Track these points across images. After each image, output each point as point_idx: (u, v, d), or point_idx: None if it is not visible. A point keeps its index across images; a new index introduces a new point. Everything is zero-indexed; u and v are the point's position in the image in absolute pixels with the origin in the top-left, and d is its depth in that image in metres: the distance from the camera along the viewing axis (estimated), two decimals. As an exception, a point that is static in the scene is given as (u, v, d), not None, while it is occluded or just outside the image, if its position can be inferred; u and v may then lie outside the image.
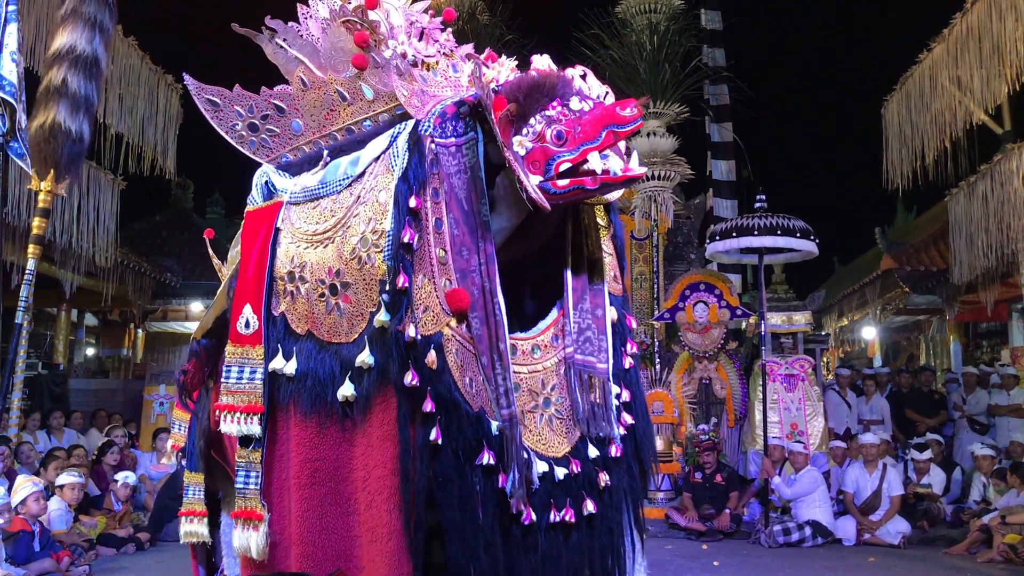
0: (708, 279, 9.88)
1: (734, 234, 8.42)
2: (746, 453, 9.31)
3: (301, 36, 2.54)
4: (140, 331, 15.79)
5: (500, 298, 2.17)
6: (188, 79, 2.67)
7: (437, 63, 2.45)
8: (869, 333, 17.08)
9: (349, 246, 2.20)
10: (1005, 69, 8.09)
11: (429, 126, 2.21)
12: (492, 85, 2.25)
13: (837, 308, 15.96)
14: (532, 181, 2.14)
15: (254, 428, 2.28)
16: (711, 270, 10.47)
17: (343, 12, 2.47)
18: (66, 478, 6.69)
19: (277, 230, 2.39)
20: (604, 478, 2.29)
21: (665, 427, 8.95)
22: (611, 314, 2.44)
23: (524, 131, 2.17)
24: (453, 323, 2.13)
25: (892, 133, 10.55)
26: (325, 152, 2.45)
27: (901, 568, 6.67)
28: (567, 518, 2.19)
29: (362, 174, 2.27)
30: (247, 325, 2.35)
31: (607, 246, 2.50)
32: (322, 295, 2.24)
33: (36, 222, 4.44)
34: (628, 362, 2.47)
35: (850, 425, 9.62)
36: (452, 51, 2.49)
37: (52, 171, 4.35)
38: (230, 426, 2.32)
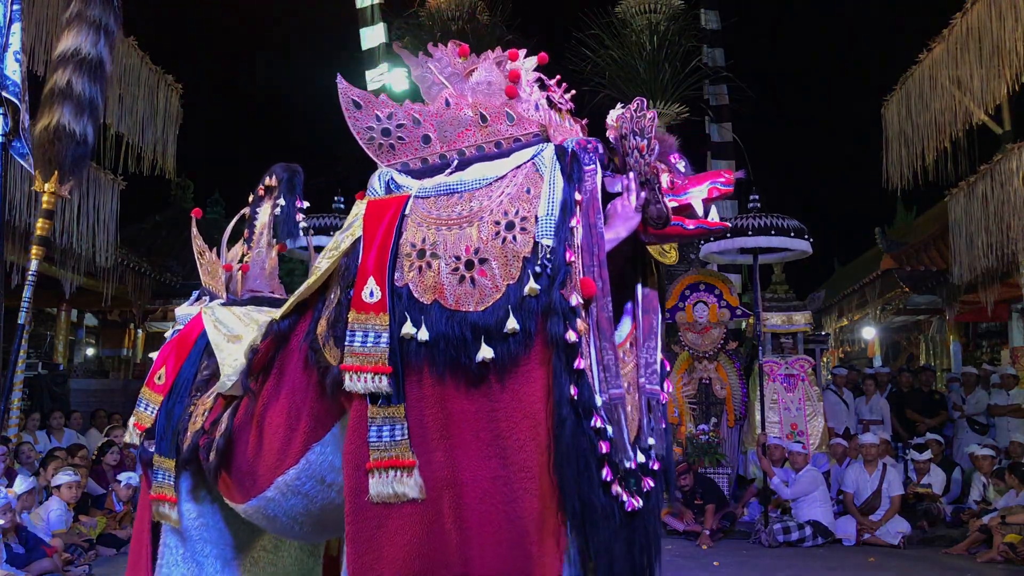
0: (708, 279, 9.88)
1: (729, 235, 8.43)
2: (746, 453, 9.31)
3: (451, 64, 2.91)
4: (140, 331, 15.81)
5: (609, 298, 2.59)
6: (340, 80, 2.91)
7: (564, 115, 2.96)
8: (869, 333, 17.09)
9: (490, 229, 2.56)
10: (1005, 69, 8.09)
11: (575, 145, 2.66)
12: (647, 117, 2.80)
13: (837, 308, 15.97)
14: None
15: (382, 385, 2.53)
16: (711, 270, 10.47)
17: (485, 56, 2.93)
18: (63, 477, 6.70)
19: (404, 216, 2.69)
20: (648, 483, 2.63)
21: (665, 427, 8.95)
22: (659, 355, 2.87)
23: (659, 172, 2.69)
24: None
25: (892, 133, 10.56)
26: (455, 161, 2.79)
27: (901, 568, 6.68)
28: (631, 506, 2.51)
29: (503, 176, 2.65)
30: (371, 295, 2.60)
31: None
32: (455, 269, 2.54)
33: (40, 223, 4.45)
34: (664, 396, 2.86)
35: (848, 425, 9.62)
36: (570, 110, 3.00)
37: (56, 173, 4.35)
38: (357, 384, 2.55)
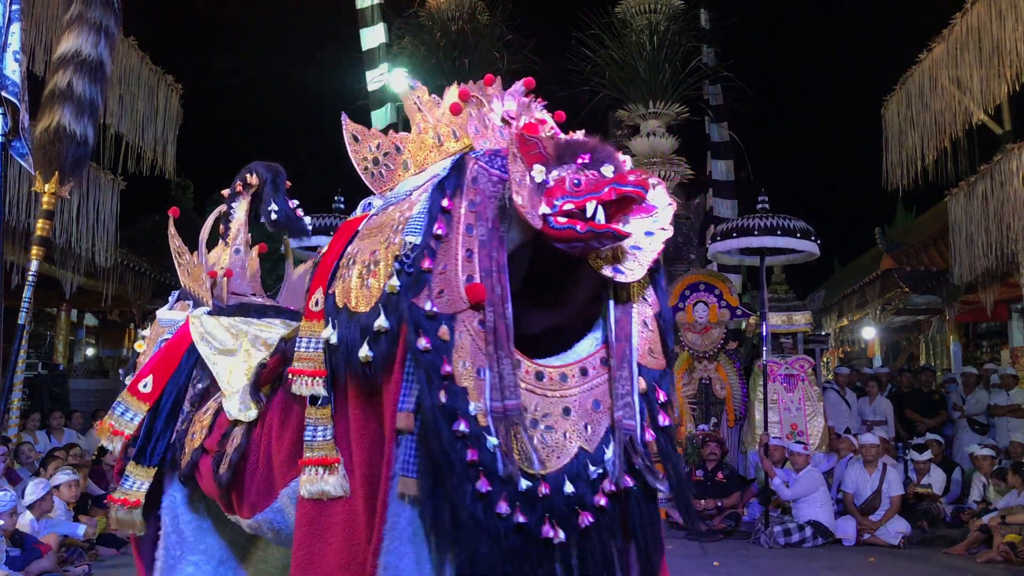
0: (708, 279, 9.88)
1: (735, 234, 8.43)
2: (746, 453, 9.31)
3: (428, 95, 2.94)
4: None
5: (509, 301, 2.49)
6: (344, 118, 3.03)
7: (527, 126, 2.80)
8: (869, 333, 17.08)
9: (388, 234, 2.58)
10: (1005, 69, 8.09)
11: (479, 153, 2.62)
12: (540, 120, 2.65)
13: (837, 308, 15.96)
14: (541, 210, 2.47)
15: (319, 389, 2.64)
16: (711, 270, 10.47)
17: (473, 88, 2.87)
18: (62, 476, 6.69)
19: (356, 232, 2.79)
20: (587, 518, 2.48)
21: (665, 427, 8.96)
22: (640, 385, 2.68)
23: (551, 170, 2.51)
24: (467, 311, 2.45)
25: (892, 133, 10.55)
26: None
27: (901, 568, 6.68)
28: (540, 532, 2.39)
29: (421, 186, 2.66)
30: (316, 304, 2.73)
31: (650, 323, 2.76)
32: (360, 273, 2.61)
33: (40, 224, 4.45)
34: (650, 435, 2.68)
35: (850, 425, 9.62)
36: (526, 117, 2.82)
37: (56, 174, 4.36)
38: (302, 388, 2.68)
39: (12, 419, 7.18)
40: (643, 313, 2.75)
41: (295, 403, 2.87)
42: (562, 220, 2.44)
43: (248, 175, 3.67)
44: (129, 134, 9.70)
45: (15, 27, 3.99)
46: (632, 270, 2.62)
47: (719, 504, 8.03)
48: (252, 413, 3.04)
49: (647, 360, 2.72)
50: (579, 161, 2.52)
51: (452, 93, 2.86)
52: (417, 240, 2.45)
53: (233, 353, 3.26)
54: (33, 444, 8.05)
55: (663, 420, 2.71)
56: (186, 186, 15.41)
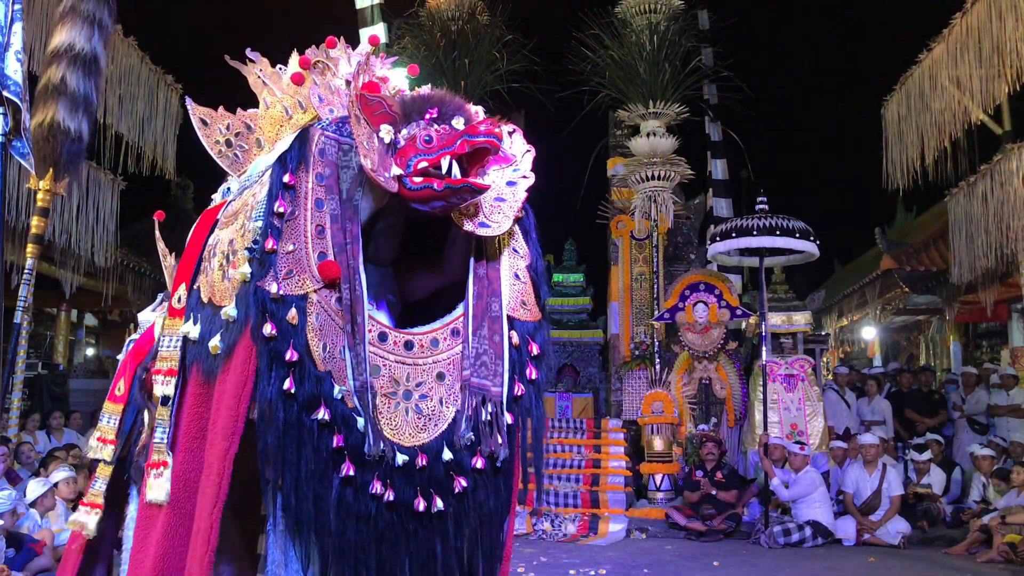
0: (708, 279, 9.88)
1: (734, 235, 8.43)
2: (746, 453, 9.31)
3: (272, 67, 2.84)
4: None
5: (362, 275, 2.39)
6: (189, 101, 2.94)
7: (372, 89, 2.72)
8: (869, 333, 17.07)
9: (240, 222, 2.47)
10: (1005, 69, 8.08)
11: (326, 123, 2.50)
12: (381, 82, 2.53)
13: (837, 308, 15.95)
14: (394, 172, 2.39)
15: (168, 390, 2.57)
16: (711, 270, 10.47)
17: (311, 52, 2.77)
18: (60, 474, 6.69)
19: (216, 221, 2.71)
20: (461, 482, 2.43)
21: (665, 427, 8.96)
22: (512, 339, 2.61)
23: (400, 129, 2.44)
24: (321, 290, 2.35)
25: (892, 133, 10.55)
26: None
27: (901, 568, 6.67)
28: (414, 505, 2.35)
29: (269, 168, 2.53)
30: (179, 300, 2.64)
31: (522, 275, 2.69)
32: (221, 264, 2.51)
33: (35, 221, 4.44)
34: (520, 389, 2.61)
35: (850, 425, 9.61)
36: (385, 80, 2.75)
37: (51, 170, 4.34)
38: (157, 388, 2.62)
39: (12, 419, 7.17)
40: (514, 265, 2.69)
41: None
42: (418, 180, 2.37)
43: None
44: (129, 134, 9.70)
45: (17, 27, 3.98)
46: (498, 223, 2.56)
47: (714, 493, 8.02)
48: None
49: (519, 312, 2.66)
50: (428, 116, 2.43)
51: (293, 62, 2.75)
52: (260, 224, 2.35)
53: None
54: (33, 444, 8.04)
55: (531, 374, 2.64)
56: (186, 186, 15.39)
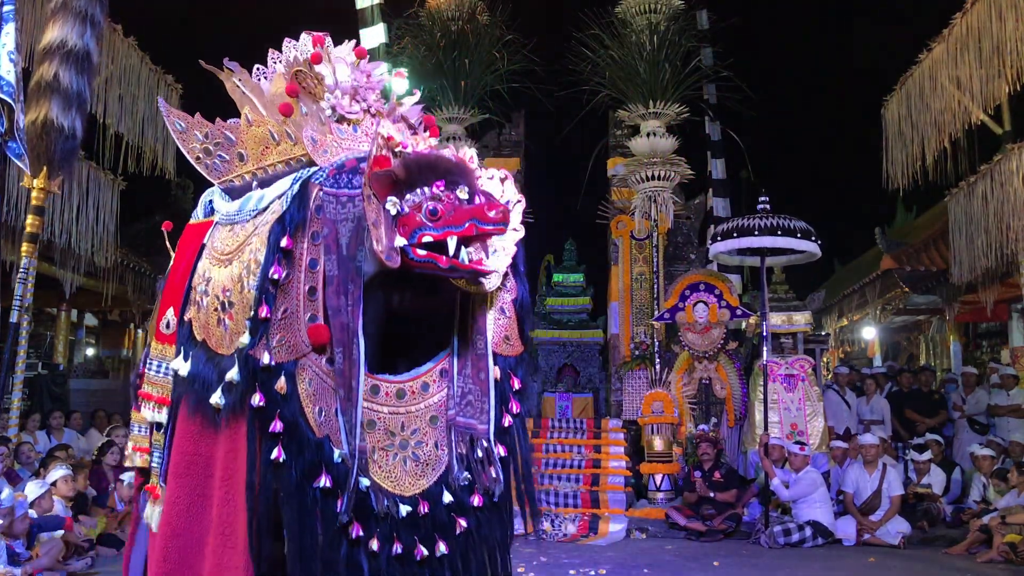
0: (708, 279, 9.88)
1: (735, 235, 8.43)
2: (746, 453, 9.31)
3: (250, 79, 2.83)
4: (140, 331, 15.78)
5: (360, 339, 2.37)
6: (161, 102, 2.97)
7: (360, 120, 2.70)
8: (869, 333, 17.07)
9: (237, 271, 2.46)
10: (1005, 69, 8.08)
11: (323, 175, 2.45)
12: (391, 145, 2.48)
13: (837, 308, 15.95)
14: (397, 242, 2.38)
15: (162, 416, 2.60)
16: (711, 270, 10.46)
17: (296, 62, 2.73)
18: (57, 472, 6.69)
19: (203, 246, 2.69)
20: (462, 523, 2.47)
21: (665, 427, 8.96)
22: (494, 374, 2.64)
23: (406, 196, 2.40)
24: (312, 355, 2.34)
25: (892, 133, 10.55)
26: (255, 183, 2.72)
27: (901, 568, 6.67)
28: (415, 555, 2.38)
29: (264, 209, 2.53)
30: (168, 326, 2.64)
31: (507, 309, 2.70)
32: (216, 309, 2.51)
33: (30, 220, 4.43)
34: (508, 421, 2.65)
35: (850, 425, 9.61)
36: (380, 111, 2.73)
37: (45, 168, 4.32)
38: (147, 412, 2.66)
39: (12, 419, 7.16)
40: (501, 300, 2.69)
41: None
42: (422, 252, 2.37)
43: None
44: (129, 134, 9.70)
45: (9, 27, 3.97)
46: (491, 280, 2.56)
47: (712, 495, 8.02)
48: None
49: (502, 347, 2.67)
50: (436, 187, 2.40)
51: (279, 82, 2.70)
52: (255, 295, 2.34)
53: None
54: (33, 444, 8.04)
55: (514, 408, 2.67)
56: (186, 186, 15.39)
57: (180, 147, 2.90)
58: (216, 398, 2.39)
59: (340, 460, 2.30)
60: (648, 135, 10.16)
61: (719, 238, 8.71)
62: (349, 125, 2.68)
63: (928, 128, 9.65)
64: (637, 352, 10.68)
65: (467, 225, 2.35)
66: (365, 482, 2.33)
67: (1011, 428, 9.14)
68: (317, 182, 2.44)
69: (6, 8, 4.00)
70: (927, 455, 8.36)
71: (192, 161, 2.88)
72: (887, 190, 10.74)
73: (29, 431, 8.41)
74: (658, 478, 8.88)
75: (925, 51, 9.75)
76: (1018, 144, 8.44)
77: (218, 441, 2.43)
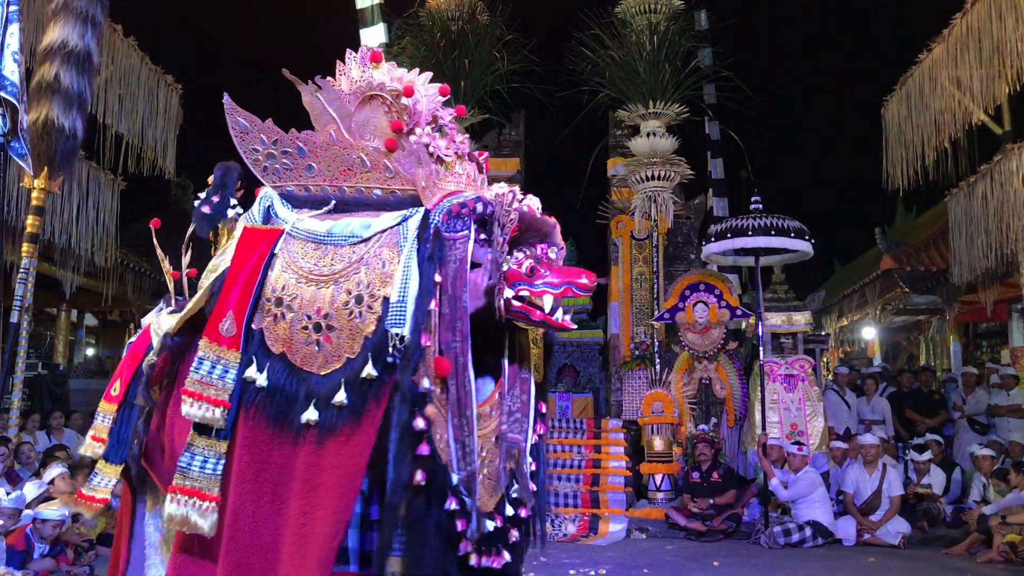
0: (708, 279, 9.88)
1: (729, 235, 8.43)
2: (746, 453, 9.31)
3: (339, 98, 2.88)
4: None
5: (471, 372, 2.56)
6: (227, 99, 2.95)
7: (452, 163, 2.84)
8: (869, 333, 17.07)
9: (343, 298, 2.58)
10: (1005, 69, 8.08)
11: (439, 220, 2.63)
12: (515, 206, 2.74)
13: (837, 308, 15.95)
14: (506, 293, 2.65)
15: (215, 417, 2.59)
16: (711, 270, 10.47)
17: (379, 87, 2.85)
18: (54, 471, 6.70)
19: (273, 255, 2.74)
20: (514, 534, 2.68)
21: (665, 427, 8.96)
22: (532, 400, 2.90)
23: (514, 253, 2.70)
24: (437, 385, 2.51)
25: (892, 133, 10.55)
26: (333, 201, 2.82)
27: (901, 568, 6.67)
28: (494, 565, 2.58)
29: (368, 239, 2.66)
30: (228, 329, 2.66)
31: (538, 340, 2.97)
32: (305, 327, 2.59)
33: (30, 220, 4.43)
34: (534, 439, 2.88)
35: (850, 425, 9.61)
36: (463, 153, 2.90)
37: (45, 168, 4.33)
38: (192, 410, 2.61)
39: (12, 419, 7.17)
40: (535, 332, 2.94)
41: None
42: (517, 304, 2.65)
43: (212, 175, 3.71)
44: (129, 134, 9.70)
45: (13, 28, 3.97)
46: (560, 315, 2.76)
47: (712, 502, 8.03)
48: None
49: (534, 375, 2.91)
50: (538, 248, 2.72)
51: (376, 113, 2.82)
52: (400, 331, 2.47)
53: None
54: (33, 444, 8.04)
55: (540, 429, 2.91)
56: (186, 186, 15.39)
57: (236, 145, 2.92)
58: (310, 415, 2.49)
59: (457, 483, 2.46)
60: (648, 135, 10.17)
61: (713, 239, 8.72)
62: (442, 165, 2.80)
63: (928, 128, 9.65)
64: (637, 352, 10.68)
65: (563, 288, 2.66)
66: (468, 502, 2.49)
67: (1011, 428, 9.14)
68: (437, 225, 2.62)
69: (11, 8, 4.00)
70: (927, 455, 8.36)
71: (248, 161, 2.94)
72: (887, 190, 10.75)
73: (29, 431, 8.42)
74: (658, 478, 8.89)
75: (925, 51, 9.76)
76: (1018, 144, 8.44)
77: (297, 453, 2.52)
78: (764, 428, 8.29)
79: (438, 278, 2.52)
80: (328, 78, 2.94)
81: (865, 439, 8.20)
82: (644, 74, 10.21)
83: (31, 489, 6.25)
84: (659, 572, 6.47)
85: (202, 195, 3.61)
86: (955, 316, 12.35)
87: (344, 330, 2.54)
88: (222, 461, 2.62)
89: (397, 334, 2.48)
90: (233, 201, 3.61)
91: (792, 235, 8.28)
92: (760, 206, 8.55)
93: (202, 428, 2.64)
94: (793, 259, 9.12)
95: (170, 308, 3.60)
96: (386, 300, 2.53)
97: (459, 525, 2.44)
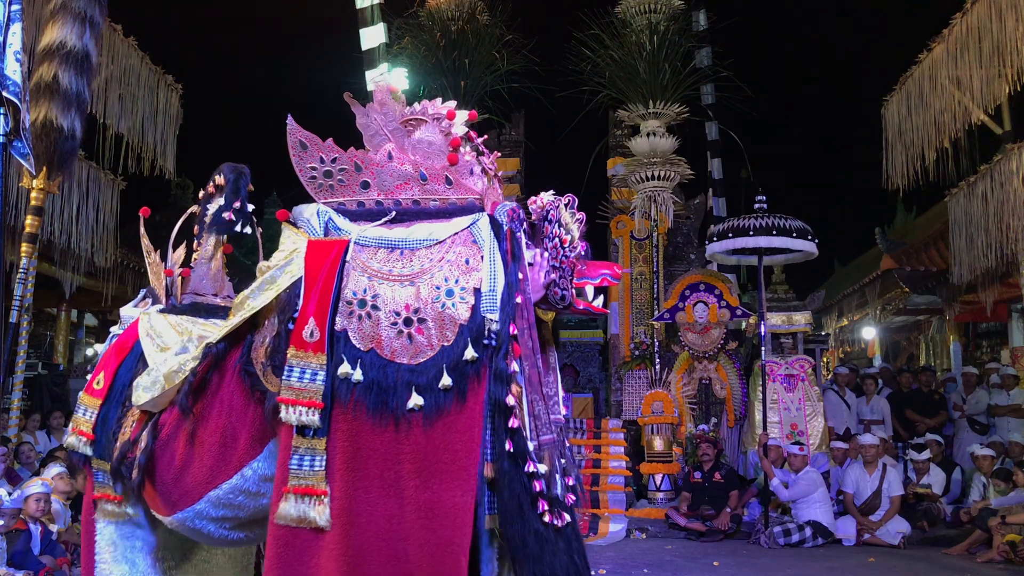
0: (708, 279, 9.88)
1: (731, 235, 8.43)
2: (746, 453, 9.31)
3: (395, 120, 3.13)
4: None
5: (540, 354, 2.95)
6: (290, 121, 3.14)
7: (492, 177, 3.17)
8: (869, 333, 17.08)
9: (431, 293, 2.84)
10: (1005, 69, 8.09)
11: (506, 222, 2.97)
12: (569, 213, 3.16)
13: (837, 308, 15.96)
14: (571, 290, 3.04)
15: (314, 419, 2.77)
16: (711, 270, 10.47)
17: (422, 112, 3.11)
18: (52, 470, 6.70)
19: (344, 262, 2.95)
20: (571, 498, 2.94)
21: (665, 427, 8.96)
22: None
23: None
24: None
25: (892, 133, 10.54)
26: (392, 211, 3.08)
27: (901, 568, 6.68)
28: (559, 524, 2.83)
29: (443, 241, 2.93)
30: (311, 335, 2.84)
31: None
32: (394, 323, 2.83)
33: (29, 220, 4.43)
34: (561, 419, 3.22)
35: (850, 425, 9.61)
36: (494, 169, 3.22)
37: (44, 168, 4.32)
38: (291, 416, 2.79)
39: (12, 419, 7.17)
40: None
41: (220, 409, 3.01)
42: (559, 294, 3.06)
43: (217, 176, 3.73)
44: (129, 134, 9.69)
45: (16, 27, 3.96)
46: (547, 313, 3.20)
47: (710, 511, 8.01)
48: (145, 397, 3.13)
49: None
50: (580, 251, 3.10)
51: (433, 132, 3.07)
52: (495, 317, 2.79)
53: (168, 351, 3.30)
54: (33, 444, 8.04)
55: (565, 410, 3.32)
56: (186, 186, 15.38)
57: (294, 164, 3.10)
58: (415, 401, 2.72)
59: (532, 450, 2.76)
60: (648, 135, 10.17)
61: (715, 238, 8.71)
62: (487, 178, 3.09)
63: (928, 128, 9.64)
64: (637, 352, 10.68)
65: (599, 279, 3.11)
66: (544, 468, 2.77)
67: (1011, 428, 9.14)
68: (509, 227, 2.98)
69: (13, 8, 3.99)
70: (927, 455, 8.37)
71: (303, 179, 3.13)
72: (887, 190, 10.74)
73: (29, 431, 8.41)
74: (658, 478, 8.89)
75: (925, 51, 9.75)
76: (1018, 144, 8.44)
77: (400, 438, 2.74)
78: (765, 428, 8.29)
79: (521, 275, 2.87)
80: (368, 104, 3.19)
81: (865, 439, 8.21)
82: (644, 74, 10.22)
83: (33, 488, 6.25)
84: (659, 572, 6.47)
85: (219, 200, 3.65)
86: (955, 316, 12.35)
87: (436, 321, 2.79)
88: (324, 457, 2.79)
89: (492, 319, 2.77)
90: (251, 206, 3.68)
91: (794, 235, 8.29)
92: (765, 206, 8.55)
93: (301, 430, 2.79)
94: (798, 259, 9.13)
95: (159, 307, 3.61)
96: (477, 291, 2.82)
97: (536, 486, 2.71)
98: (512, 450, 2.71)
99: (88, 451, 3.37)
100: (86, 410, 3.44)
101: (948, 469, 8.64)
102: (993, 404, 9.51)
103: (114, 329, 3.73)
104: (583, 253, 3.12)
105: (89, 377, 3.51)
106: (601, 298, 3.16)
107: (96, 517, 3.40)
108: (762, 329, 8.54)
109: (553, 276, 3.03)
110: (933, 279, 11.39)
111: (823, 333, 14.02)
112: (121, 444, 3.21)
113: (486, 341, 2.77)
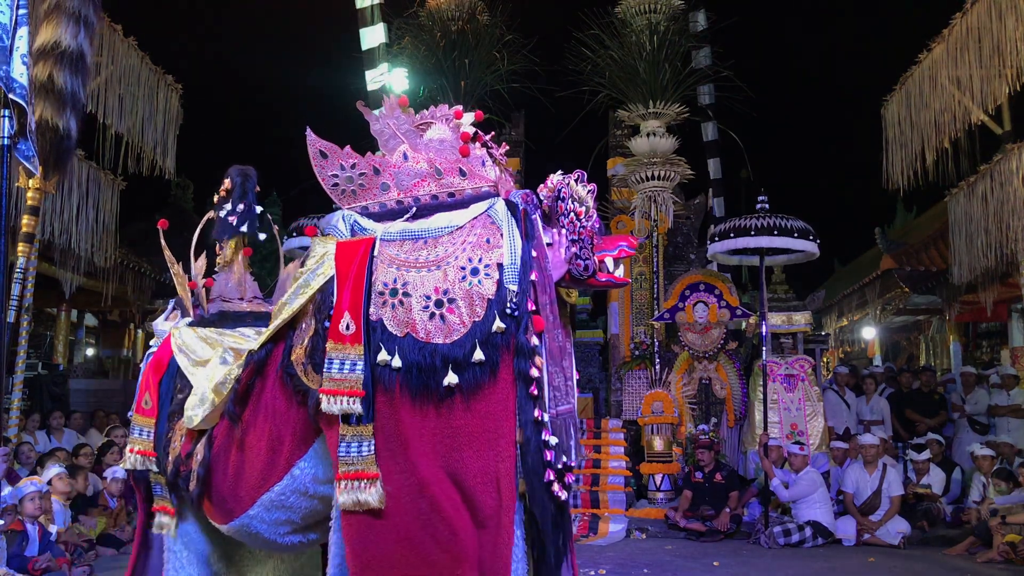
0: (708, 279, 9.88)
1: (732, 235, 8.43)
2: (746, 453, 9.31)
3: (408, 122, 3.24)
4: (140, 331, 15.79)
5: (560, 329, 3.10)
6: (310, 133, 3.25)
7: (502, 168, 3.29)
8: (869, 333, 17.08)
9: (457, 274, 2.95)
10: (1005, 69, 8.08)
11: (521, 204, 3.07)
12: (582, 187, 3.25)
13: (837, 308, 15.96)
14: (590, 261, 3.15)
15: (356, 407, 2.86)
16: (711, 270, 10.47)
17: (431, 115, 3.23)
18: (52, 471, 6.71)
19: (372, 257, 3.06)
20: (570, 478, 3.00)
21: (665, 427, 8.96)
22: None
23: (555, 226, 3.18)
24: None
25: (892, 133, 10.54)
26: (413, 208, 3.20)
27: (901, 568, 6.68)
28: (562, 496, 2.93)
29: (463, 226, 3.04)
30: (347, 328, 2.94)
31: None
32: (426, 307, 2.93)
33: (25, 220, 4.42)
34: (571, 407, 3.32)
35: (849, 425, 9.61)
36: (505, 161, 3.35)
37: (40, 168, 4.31)
38: (333, 406, 2.88)
39: (12, 419, 7.16)
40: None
41: (265, 413, 3.08)
42: (581, 265, 3.17)
43: (225, 180, 3.75)
44: (129, 134, 9.69)
45: (22, 31, 3.95)
46: (571, 294, 3.31)
47: (710, 511, 8.01)
48: (198, 418, 3.22)
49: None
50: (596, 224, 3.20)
51: (443, 131, 3.17)
52: (516, 288, 2.89)
53: (207, 364, 3.38)
54: (33, 444, 8.04)
55: (573, 398, 3.36)
56: (186, 186, 15.39)
57: (316, 173, 3.22)
58: (451, 379, 2.83)
59: (546, 420, 2.86)
60: (648, 135, 10.17)
61: (716, 238, 8.71)
62: (497, 166, 3.20)
63: (928, 128, 9.64)
64: (637, 352, 10.68)
65: (616, 251, 3.20)
66: (554, 440, 2.88)
67: (1011, 428, 9.14)
68: (524, 208, 3.07)
69: (20, 11, 3.98)
70: (927, 455, 8.37)
71: (326, 187, 3.26)
72: (887, 190, 10.74)
73: (29, 431, 8.41)
74: (658, 478, 8.89)
75: (925, 51, 9.75)
76: (1018, 144, 8.44)
77: (442, 417, 2.85)
78: (765, 428, 8.29)
79: (535, 253, 2.96)
80: (379, 110, 3.29)
81: (865, 439, 8.20)
82: (644, 74, 10.21)
83: (29, 490, 6.25)
84: (659, 572, 6.48)
85: (227, 204, 3.67)
86: (955, 316, 12.35)
87: (465, 299, 2.90)
88: (372, 442, 2.88)
89: (514, 291, 2.88)
90: (259, 208, 3.70)
91: (796, 235, 8.29)
92: (767, 206, 8.55)
93: (346, 419, 2.88)
94: (799, 259, 9.12)
95: (188, 320, 3.65)
96: (500, 265, 2.93)
97: (547, 455, 2.83)
98: (539, 418, 2.83)
99: (153, 467, 3.49)
100: (142, 430, 3.53)
101: (948, 469, 8.64)
102: (993, 404, 9.51)
103: (151, 343, 3.79)
104: (598, 226, 3.20)
105: (136, 398, 3.60)
106: (621, 268, 3.24)
107: (154, 529, 3.53)
108: (763, 329, 8.54)
109: (574, 249, 3.12)
110: (933, 279, 11.39)
111: (823, 333, 14.01)
112: (173, 459, 3.33)
113: (509, 310, 2.87)
